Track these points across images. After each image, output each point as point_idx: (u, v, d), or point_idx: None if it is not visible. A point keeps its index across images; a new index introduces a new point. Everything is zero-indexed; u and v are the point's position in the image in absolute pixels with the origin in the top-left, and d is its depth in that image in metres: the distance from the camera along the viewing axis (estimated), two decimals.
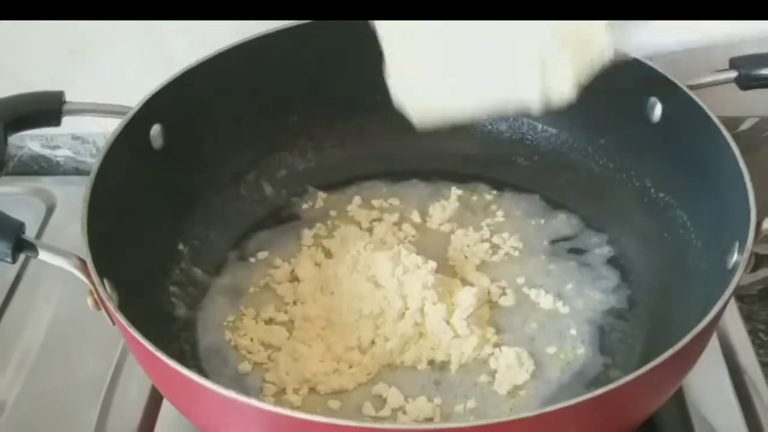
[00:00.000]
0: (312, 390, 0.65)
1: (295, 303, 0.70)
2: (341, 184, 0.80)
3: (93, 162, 0.63)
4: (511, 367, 0.65)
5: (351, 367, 0.65)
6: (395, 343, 0.66)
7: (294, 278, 0.72)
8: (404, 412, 0.63)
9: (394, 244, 0.73)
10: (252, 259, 0.74)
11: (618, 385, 0.50)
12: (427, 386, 0.65)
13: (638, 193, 0.74)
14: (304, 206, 0.79)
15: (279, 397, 0.64)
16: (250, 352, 0.67)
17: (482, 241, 0.75)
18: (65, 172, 0.91)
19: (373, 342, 0.67)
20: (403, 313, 0.67)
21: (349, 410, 0.63)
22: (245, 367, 0.66)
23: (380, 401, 0.64)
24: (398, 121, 0.72)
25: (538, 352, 0.67)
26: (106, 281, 0.57)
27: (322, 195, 0.79)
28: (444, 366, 0.66)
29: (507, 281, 0.72)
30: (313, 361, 0.65)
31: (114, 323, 0.57)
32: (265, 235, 0.76)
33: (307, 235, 0.76)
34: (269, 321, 0.69)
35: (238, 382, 0.65)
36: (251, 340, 0.68)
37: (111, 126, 0.65)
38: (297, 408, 0.63)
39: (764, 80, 0.66)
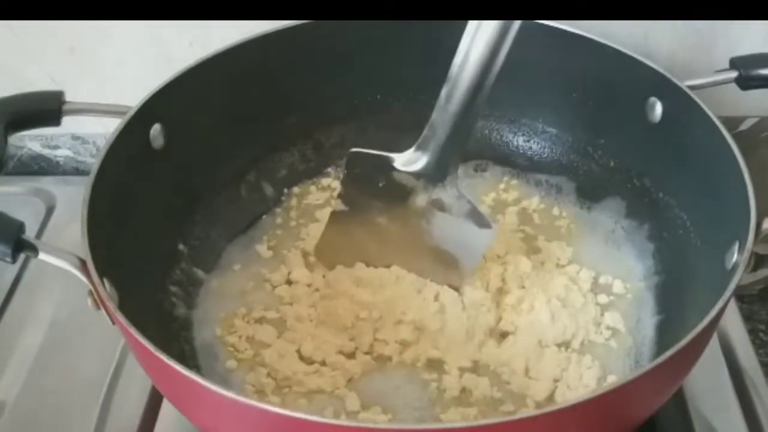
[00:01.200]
0: (290, 389, 0.64)
1: (291, 304, 0.70)
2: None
3: (93, 162, 0.63)
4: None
5: (334, 369, 0.65)
6: (393, 347, 0.66)
7: (289, 281, 0.72)
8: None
9: None
10: (250, 259, 0.74)
11: (618, 385, 0.50)
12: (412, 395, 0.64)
13: (638, 192, 0.74)
14: (303, 206, 0.78)
15: (261, 398, 0.64)
16: (237, 350, 0.67)
17: None
18: (65, 172, 0.91)
19: (371, 346, 0.67)
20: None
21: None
22: (232, 364, 0.66)
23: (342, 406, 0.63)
24: (398, 121, 0.72)
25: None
26: (106, 281, 0.56)
27: (320, 195, 0.79)
28: (439, 366, 0.66)
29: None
30: (295, 361, 0.65)
31: (114, 323, 0.57)
32: (264, 236, 0.76)
33: (303, 235, 0.76)
34: (260, 320, 0.69)
35: (225, 379, 0.65)
36: (240, 337, 0.68)
37: (111, 126, 0.64)
38: None
39: (764, 80, 0.66)
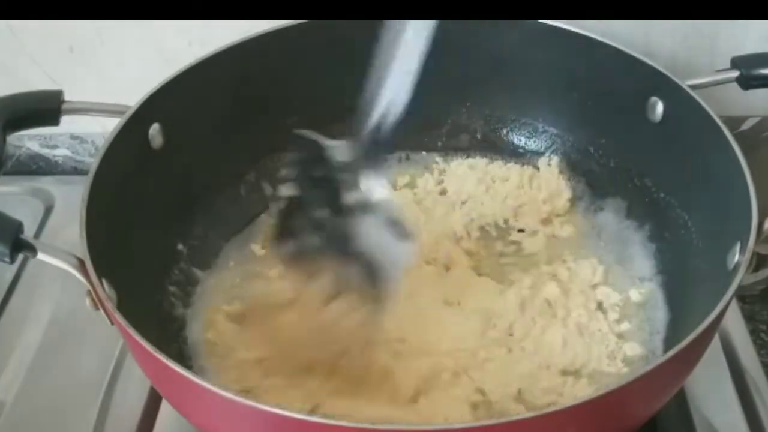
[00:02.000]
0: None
1: (284, 306, 0.69)
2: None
3: (92, 161, 0.63)
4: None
5: (309, 382, 0.62)
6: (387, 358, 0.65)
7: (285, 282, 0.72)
8: None
9: None
10: (249, 259, 0.74)
11: (619, 386, 0.50)
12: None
13: (639, 192, 0.73)
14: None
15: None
16: (222, 349, 0.67)
17: None
18: (64, 172, 0.91)
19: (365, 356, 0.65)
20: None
21: None
22: (217, 362, 0.66)
23: None
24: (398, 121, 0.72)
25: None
26: (104, 281, 0.56)
27: None
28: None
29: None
30: (258, 373, 0.64)
31: (113, 323, 0.56)
32: (259, 234, 0.76)
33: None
34: (247, 320, 0.68)
35: (219, 379, 0.64)
36: (227, 336, 0.67)
37: (110, 125, 0.64)
38: None
39: (766, 80, 0.66)
